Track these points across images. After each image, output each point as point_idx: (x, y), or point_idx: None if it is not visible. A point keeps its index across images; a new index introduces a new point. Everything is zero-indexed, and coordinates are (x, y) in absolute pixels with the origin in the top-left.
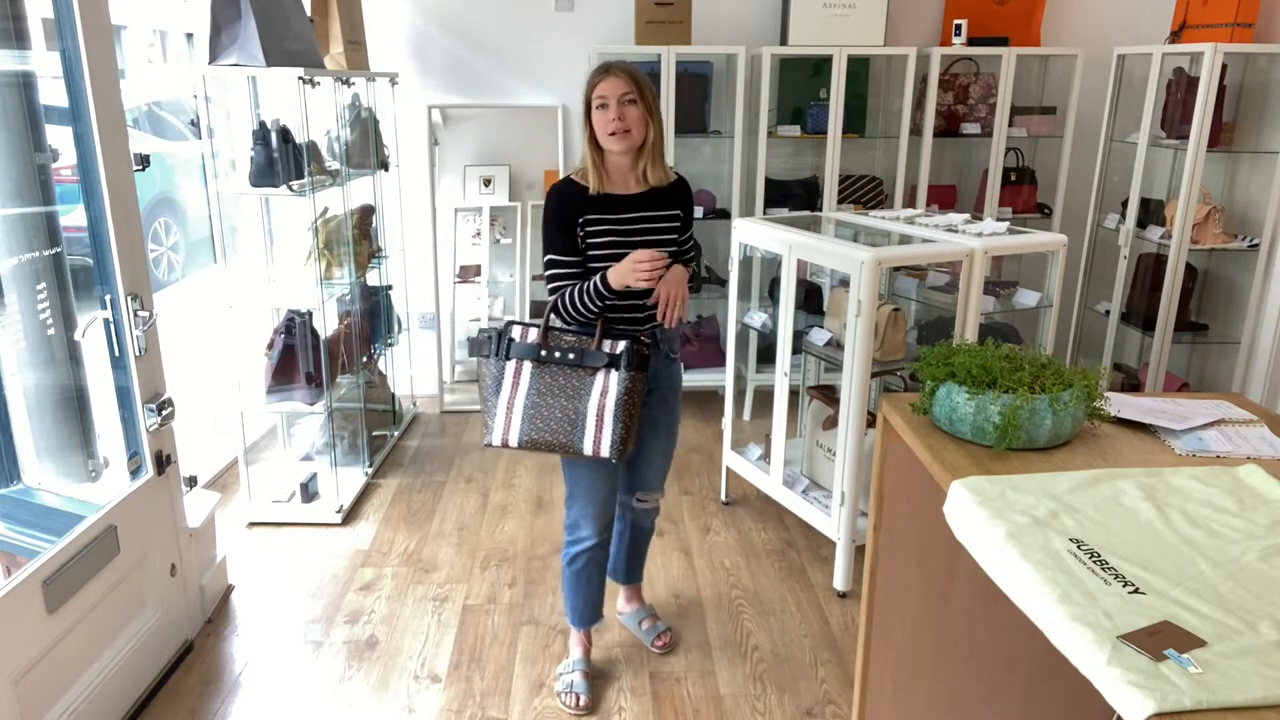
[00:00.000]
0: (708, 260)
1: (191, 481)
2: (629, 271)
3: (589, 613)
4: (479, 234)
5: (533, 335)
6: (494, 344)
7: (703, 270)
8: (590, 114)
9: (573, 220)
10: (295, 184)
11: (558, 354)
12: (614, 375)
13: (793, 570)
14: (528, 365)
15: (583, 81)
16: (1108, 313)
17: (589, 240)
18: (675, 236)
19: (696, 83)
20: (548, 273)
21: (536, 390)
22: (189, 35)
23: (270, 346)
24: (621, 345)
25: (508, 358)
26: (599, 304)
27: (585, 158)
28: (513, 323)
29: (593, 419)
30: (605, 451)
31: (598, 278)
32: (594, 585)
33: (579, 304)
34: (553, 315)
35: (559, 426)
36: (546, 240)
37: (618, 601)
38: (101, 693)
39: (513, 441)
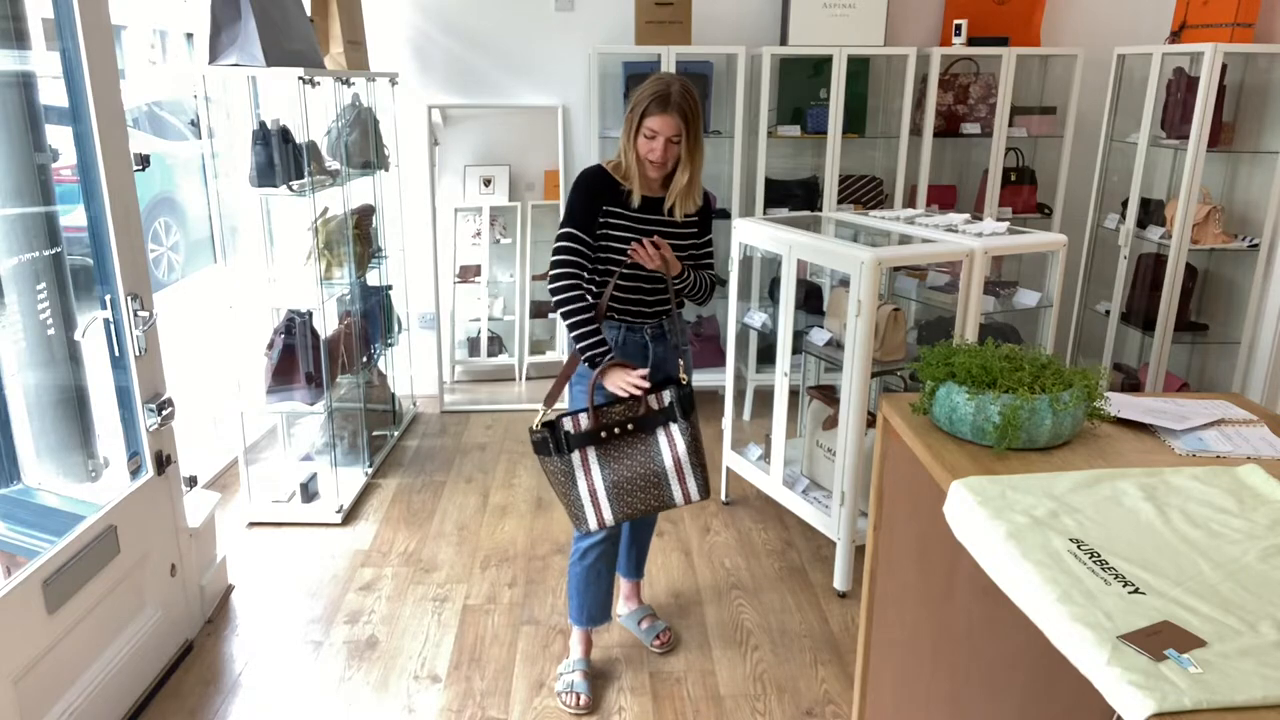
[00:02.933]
0: None
1: (191, 481)
2: (613, 380)
3: (597, 612)
4: (479, 234)
5: (584, 421)
6: (552, 443)
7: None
8: (638, 128)
9: (599, 203)
10: (295, 184)
11: (616, 430)
12: (674, 428)
13: (793, 570)
14: (591, 450)
15: (583, 81)
16: (1108, 313)
17: (607, 229)
18: (692, 240)
19: (696, 83)
20: (559, 244)
21: (610, 469)
22: (189, 35)
23: (270, 346)
24: (668, 396)
25: (569, 450)
26: (576, 345)
27: (626, 160)
28: (562, 416)
29: (673, 473)
30: (695, 496)
31: (593, 354)
32: (604, 583)
33: (571, 327)
34: (560, 305)
35: (646, 494)
36: (568, 211)
37: (617, 602)
38: (101, 693)
39: (609, 522)
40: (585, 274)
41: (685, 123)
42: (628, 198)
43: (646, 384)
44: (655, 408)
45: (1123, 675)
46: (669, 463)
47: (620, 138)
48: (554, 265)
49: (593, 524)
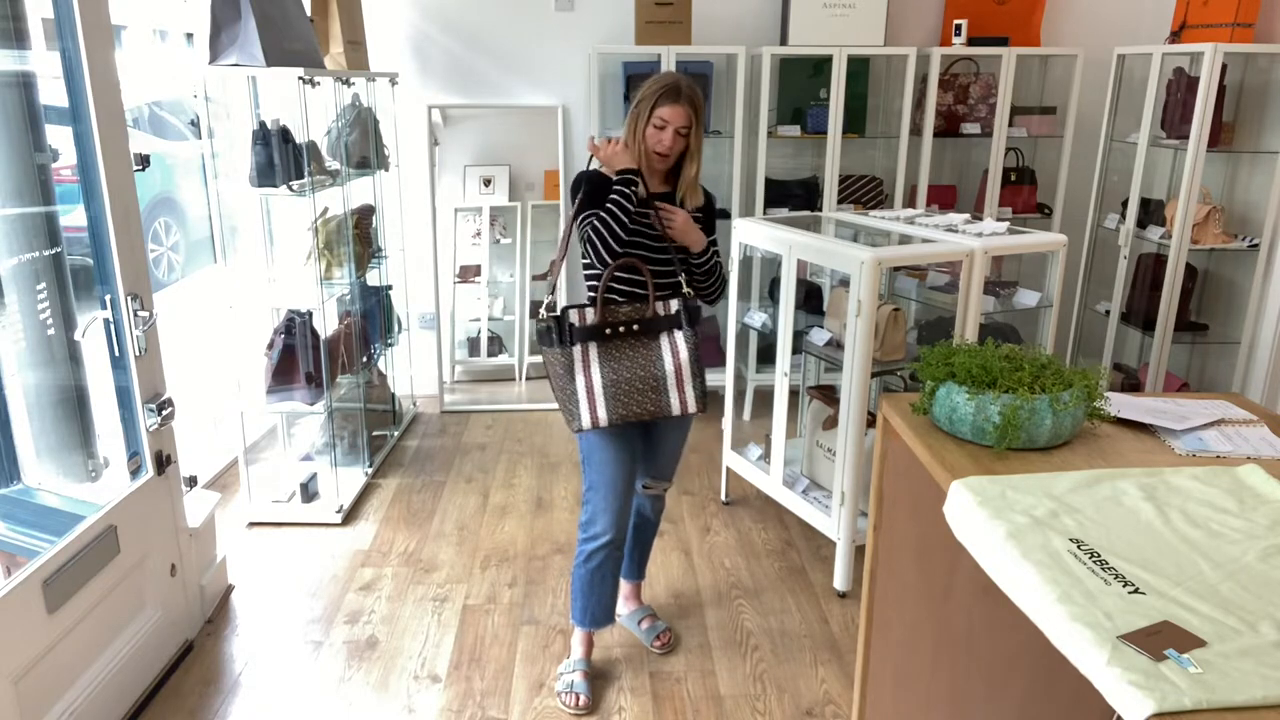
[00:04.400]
0: None
1: (191, 481)
2: (611, 154)
3: (600, 614)
4: (479, 234)
5: (590, 316)
6: (556, 333)
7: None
8: (646, 118)
9: (600, 193)
10: (295, 184)
11: (621, 328)
12: (678, 335)
13: (793, 570)
14: (593, 346)
15: (583, 81)
16: (1108, 313)
17: None
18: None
19: (696, 83)
20: (587, 223)
21: (610, 368)
22: (189, 35)
23: (270, 346)
24: (675, 304)
25: (572, 343)
26: (630, 202)
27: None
28: (569, 308)
29: (673, 380)
30: (692, 407)
31: (619, 194)
32: (608, 586)
33: (615, 214)
34: (593, 238)
35: (644, 396)
36: (580, 203)
37: (616, 603)
38: (101, 693)
39: (603, 421)
40: None
41: (694, 114)
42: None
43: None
44: (662, 313)
45: (1123, 675)
46: (670, 368)
47: (624, 135)
48: (587, 239)
49: (585, 421)
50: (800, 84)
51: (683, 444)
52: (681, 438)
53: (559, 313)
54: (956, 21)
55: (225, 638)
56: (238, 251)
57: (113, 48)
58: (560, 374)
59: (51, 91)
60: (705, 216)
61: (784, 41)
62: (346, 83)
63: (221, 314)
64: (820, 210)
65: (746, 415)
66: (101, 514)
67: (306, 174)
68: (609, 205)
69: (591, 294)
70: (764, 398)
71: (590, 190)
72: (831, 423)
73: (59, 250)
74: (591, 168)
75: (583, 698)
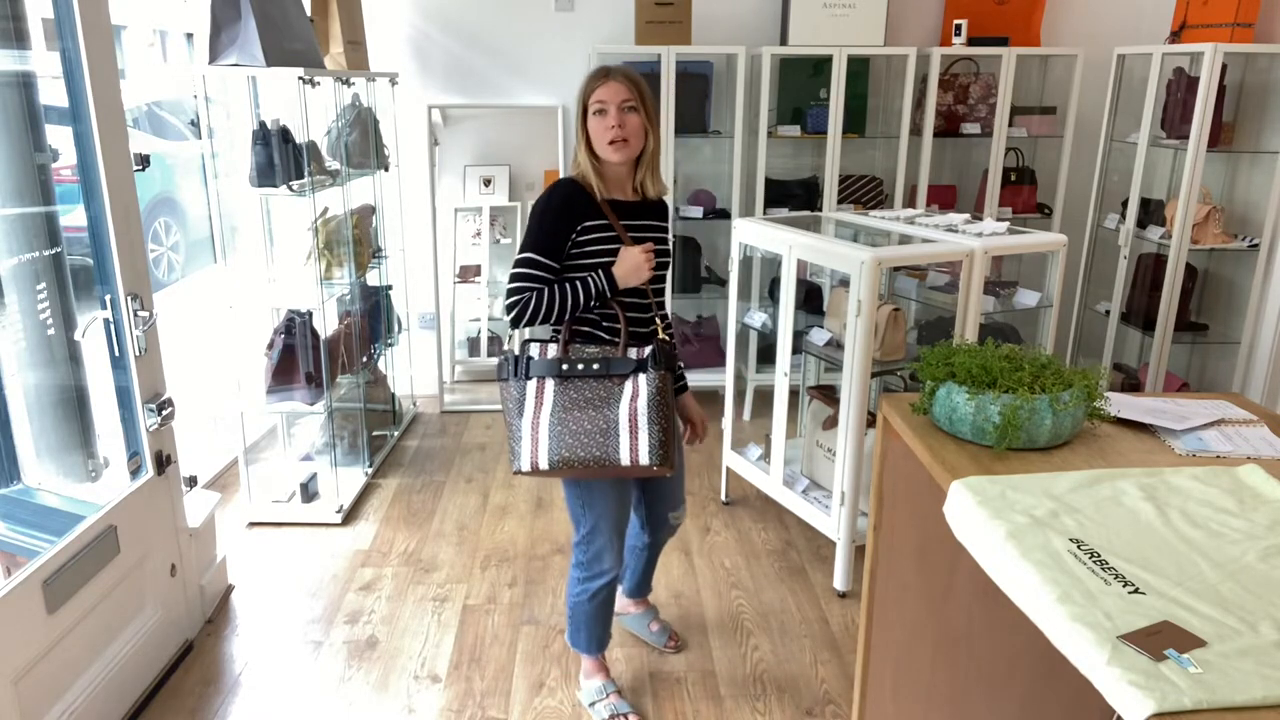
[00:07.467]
0: (708, 260)
1: (191, 481)
2: (637, 268)
3: (606, 638)
4: (479, 234)
5: (553, 351)
6: (512, 365)
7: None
8: (586, 119)
9: (571, 224)
10: (295, 184)
11: (580, 365)
12: (642, 377)
13: (793, 570)
14: (550, 383)
15: (583, 82)
16: (1108, 313)
17: (587, 245)
18: (666, 248)
19: (696, 83)
20: (519, 270)
21: (562, 406)
22: (189, 35)
23: (270, 346)
24: (649, 349)
25: (528, 377)
26: (596, 304)
27: (581, 165)
28: (530, 341)
29: (625, 425)
30: (644, 459)
31: (601, 277)
32: (608, 611)
33: (570, 302)
34: (519, 319)
35: (590, 440)
36: (531, 236)
37: (618, 604)
38: (101, 693)
39: (543, 464)
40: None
41: (634, 87)
42: (607, 206)
43: (653, 247)
44: (634, 356)
45: (1123, 675)
46: (624, 413)
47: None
48: (509, 294)
49: (524, 461)
50: (800, 84)
51: (683, 465)
52: (682, 460)
53: (520, 345)
54: (956, 21)
55: (225, 638)
56: (238, 251)
57: (113, 48)
58: (511, 408)
59: (51, 91)
60: (666, 218)
61: (784, 41)
62: (346, 83)
63: (221, 314)
64: (820, 210)
65: (746, 415)
66: (101, 514)
67: (306, 174)
68: (576, 287)
69: (556, 329)
70: (764, 398)
71: (556, 220)
72: (831, 423)
73: (59, 250)
74: (570, 176)
75: (631, 716)
